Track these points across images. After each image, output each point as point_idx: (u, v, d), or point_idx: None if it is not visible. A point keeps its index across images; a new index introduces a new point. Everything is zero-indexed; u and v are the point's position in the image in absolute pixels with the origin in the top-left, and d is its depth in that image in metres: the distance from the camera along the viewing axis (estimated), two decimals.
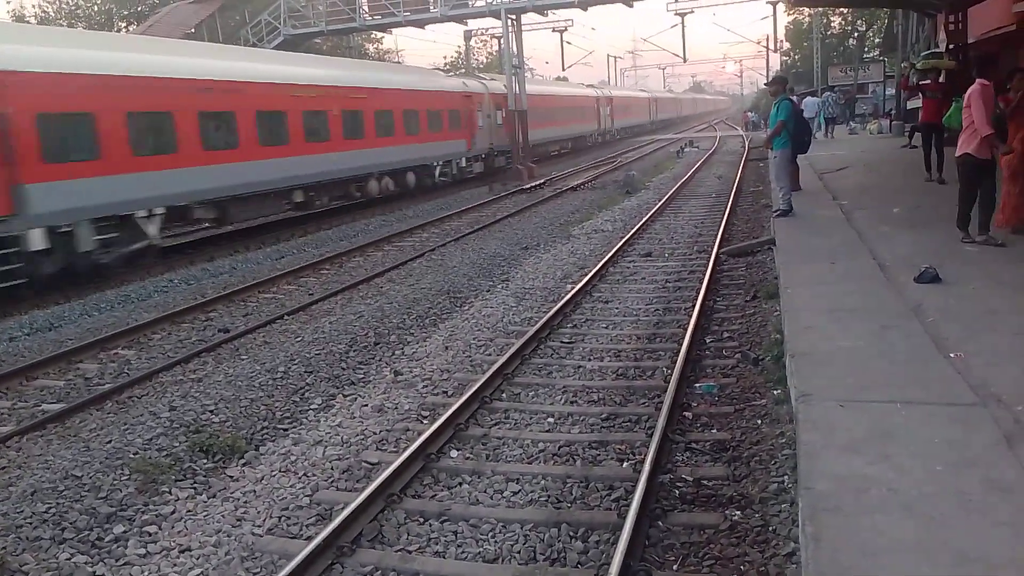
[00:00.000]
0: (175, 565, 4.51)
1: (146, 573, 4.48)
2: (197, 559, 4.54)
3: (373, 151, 21.15)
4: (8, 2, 44.70)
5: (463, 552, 4.41)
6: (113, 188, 13.29)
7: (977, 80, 8.12)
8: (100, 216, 13.11)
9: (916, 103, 26.51)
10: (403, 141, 22.72)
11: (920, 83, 16.56)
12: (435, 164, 24.77)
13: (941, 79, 15.12)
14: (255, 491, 5.32)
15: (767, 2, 35.74)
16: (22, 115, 11.82)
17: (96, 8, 37.06)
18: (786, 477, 4.77)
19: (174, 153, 14.63)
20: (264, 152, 16.88)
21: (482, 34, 44.42)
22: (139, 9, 36.30)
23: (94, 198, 12.95)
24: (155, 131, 14.36)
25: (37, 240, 11.98)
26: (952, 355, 5.10)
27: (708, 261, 10.85)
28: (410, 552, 4.43)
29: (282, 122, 17.57)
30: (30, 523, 4.94)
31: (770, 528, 4.32)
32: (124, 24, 36.36)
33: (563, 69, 49.28)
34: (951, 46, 18.83)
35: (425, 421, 6.28)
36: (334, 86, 19.91)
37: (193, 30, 27.80)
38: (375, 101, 21.28)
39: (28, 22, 34.64)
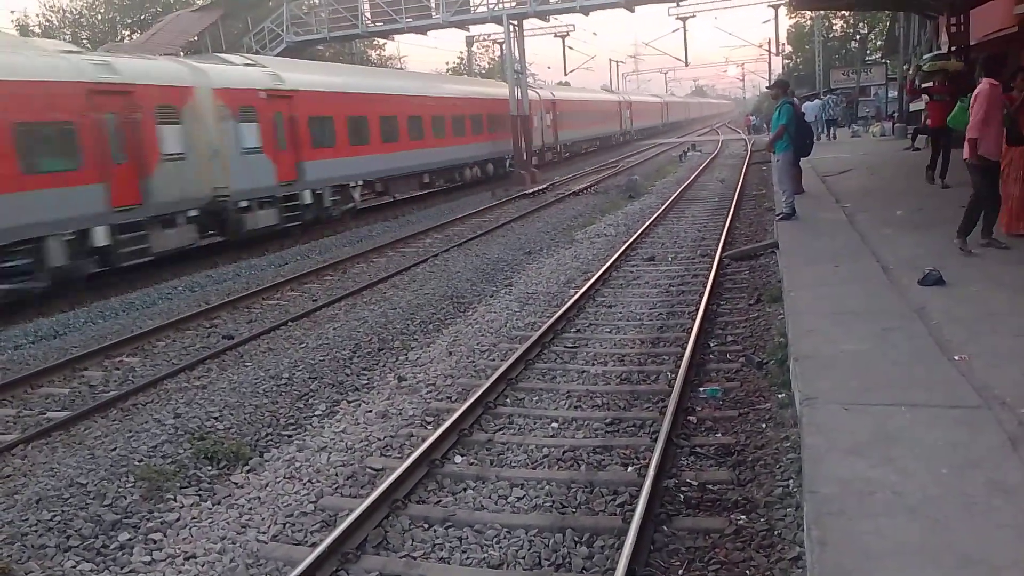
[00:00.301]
0: (180, 572, 4.52)
1: None
2: (202, 566, 4.54)
3: (469, 146, 27.77)
4: (12, 12, 44.78)
5: (468, 558, 4.40)
6: (341, 167, 19.83)
7: (985, 80, 8.04)
8: (334, 184, 19.56)
9: (919, 106, 26.55)
10: (487, 138, 29.04)
11: (923, 86, 16.37)
12: (506, 157, 29.07)
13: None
14: (260, 498, 5.32)
15: (769, 5, 35.66)
16: (301, 119, 18.18)
17: (100, 17, 37.21)
18: (791, 481, 4.76)
19: (368, 144, 21.25)
20: (410, 145, 23.45)
21: (484, 40, 44.56)
22: (142, 17, 36.41)
23: (332, 172, 19.47)
24: (359, 130, 20.93)
25: (307, 197, 18.52)
26: (956, 357, 5.09)
27: (711, 265, 10.84)
28: (415, 558, 4.43)
29: (420, 124, 24.13)
30: (35, 531, 4.96)
31: (775, 532, 4.31)
32: (128, 33, 36.48)
33: (565, 74, 49.34)
34: (953, 48, 18.82)
35: (429, 427, 6.28)
36: (445, 96, 26.52)
37: (196, 38, 27.86)
38: (467, 108, 27.71)
39: (32, 31, 34.83)
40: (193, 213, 15.11)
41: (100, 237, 13.03)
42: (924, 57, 18.66)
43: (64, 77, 12.70)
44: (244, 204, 16.29)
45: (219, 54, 20.65)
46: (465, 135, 27.32)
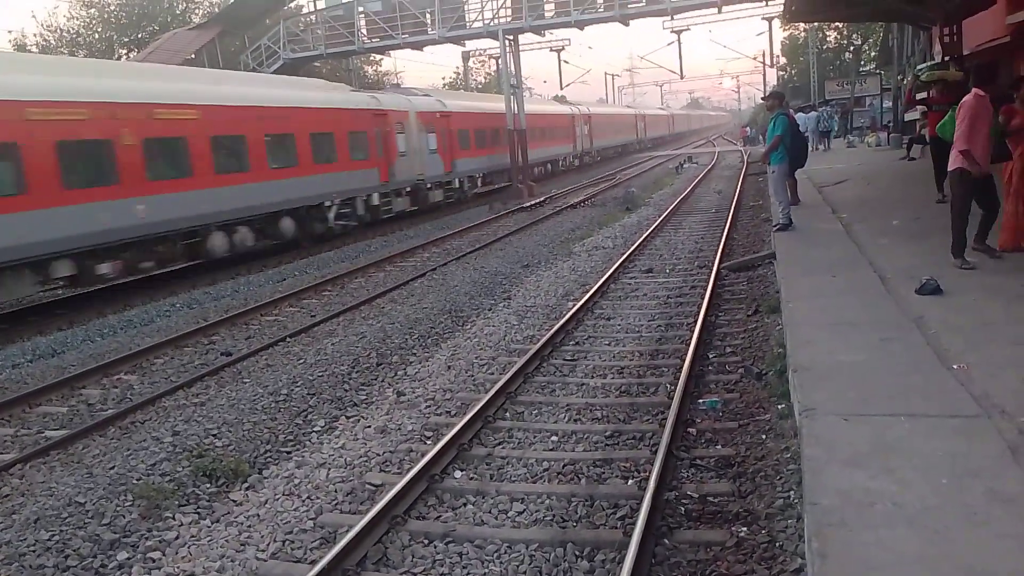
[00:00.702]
0: None
1: None
2: None
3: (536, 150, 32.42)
4: (10, 32, 44.98)
5: (468, 573, 4.39)
6: (472, 164, 28.00)
7: (973, 90, 7.89)
8: (469, 175, 27.75)
9: (914, 115, 26.68)
10: (553, 143, 36.76)
11: (918, 96, 15.96)
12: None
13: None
14: (259, 515, 5.30)
15: (763, 18, 36.03)
16: (452, 131, 26.04)
17: (97, 36, 37.36)
18: (792, 492, 4.76)
19: (485, 148, 28.71)
20: (503, 149, 28.96)
21: (480, 55, 44.81)
22: (139, 36, 36.57)
23: (468, 167, 27.59)
24: (481, 138, 28.32)
25: (456, 183, 26.64)
26: (954, 367, 5.09)
27: (709, 276, 10.85)
28: (415, 574, 4.41)
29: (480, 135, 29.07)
30: (33, 551, 4.93)
31: (777, 544, 4.30)
32: (125, 52, 36.63)
33: (561, 88, 49.72)
34: (947, 58, 18.94)
35: (428, 441, 6.26)
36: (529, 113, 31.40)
37: (193, 56, 27.99)
38: (539, 121, 33.36)
39: (30, 51, 34.92)
40: (408, 189, 23.36)
41: (375, 199, 21.64)
42: (921, 66, 17.79)
43: (362, 105, 21.38)
44: (429, 185, 24.65)
45: (411, 87, 29.24)
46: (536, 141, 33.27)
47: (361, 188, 20.86)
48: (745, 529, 4.51)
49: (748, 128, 59.48)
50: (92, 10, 37.58)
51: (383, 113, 22.06)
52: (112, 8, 37.50)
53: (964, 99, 7.86)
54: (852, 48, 50.77)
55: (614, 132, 51.47)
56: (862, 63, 47.57)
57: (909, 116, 27.51)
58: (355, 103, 21.23)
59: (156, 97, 14.76)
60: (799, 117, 24.17)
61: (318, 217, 19.30)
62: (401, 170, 22.76)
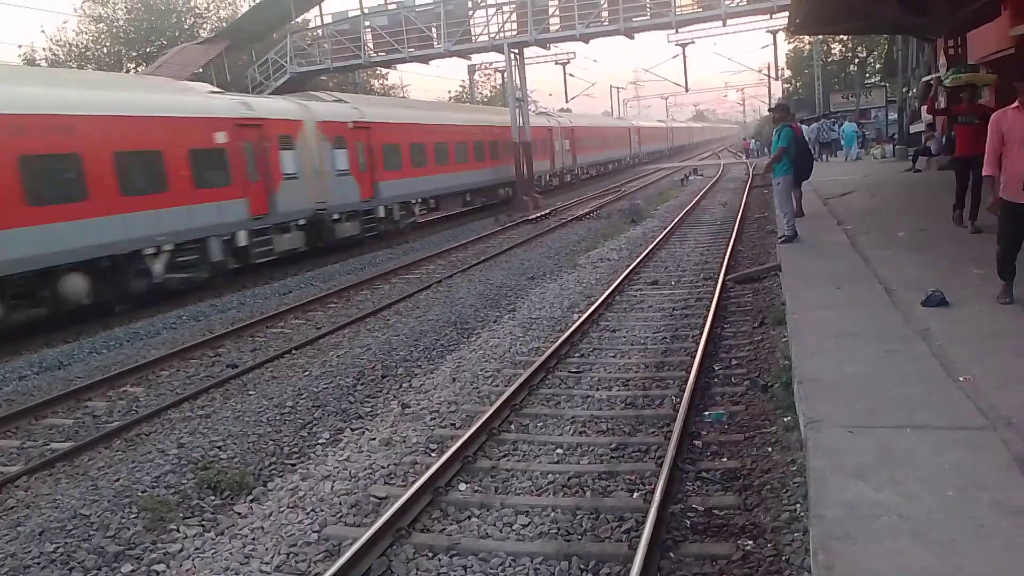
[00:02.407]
0: None
1: None
2: None
3: (503, 167, 29.61)
4: (20, 46, 45.34)
5: None
6: (405, 187, 22.83)
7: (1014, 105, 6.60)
8: (400, 202, 22.56)
9: (919, 127, 26.69)
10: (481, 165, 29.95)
11: (937, 108, 13.82)
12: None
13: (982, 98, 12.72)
14: (263, 527, 5.29)
15: (767, 31, 36.00)
16: (375, 147, 21.25)
17: (106, 50, 37.66)
18: (798, 505, 4.73)
19: (424, 167, 23.93)
20: (455, 167, 26.18)
21: (486, 68, 44.99)
22: (148, 50, 36.86)
23: (398, 191, 22.41)
24: (419, 155, 23.77)
25: (381, 211, 21.62)
26: (960, 378, 5.07)
27: (715, 288, 10.84)
28: None
29: (464, 149, 27.16)
30: (38, 563, 4.94)
31: (783, 557, 4.28)
32: (133, 65, 36.92)
33: (566, 101, 49.79)
34: (927, 80, 18.99)
35: (433, 454, 6.26)
36: (485, 125, 29.25)
37: (201, 70, 28.19)
38: (504, 135, 29.12)
39: (39, 64, 35.22)
40: (300, 222, 18.39)
41: (242, 239, 16.44)
42: (946, 71, 15.03)
43: (219, 113, 16.18)
44: (337, 216, 19.87)
45: (313, 92, 23.95)
46: (499, 158, 29.37)
47: (216, 226, 15.52)
48: (751, 542, 4.49)
49: (752, 140, 59.58)
50: (101, 25, 37.93)
51: (256, 123, 16.75)
52: (120, 23, 37.84)
53: (995, 114, 6.84)
54: (857, 60, 50.83)
55: (602, 146, 46.57)
56: (867, 75, 47.63)
57: (915, 128, 27.54)
58: (206, 109, 16.00)
59: None
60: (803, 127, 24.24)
61: (135, 271, 13.91)
62: (289, 199, 17.64)
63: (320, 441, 6.91)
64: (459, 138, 27.04)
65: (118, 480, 6.10)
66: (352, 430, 7.11)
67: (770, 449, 5.70)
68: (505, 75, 33.18)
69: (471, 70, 43.33)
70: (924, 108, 19.23)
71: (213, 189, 15.58)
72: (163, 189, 14.40)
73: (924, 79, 25.95)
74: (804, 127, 25.51)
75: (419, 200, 24.09)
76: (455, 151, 26.49)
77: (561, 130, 37.87)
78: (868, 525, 3.42)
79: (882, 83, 40.67)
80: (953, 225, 10.66)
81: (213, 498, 5.81)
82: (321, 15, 32.21)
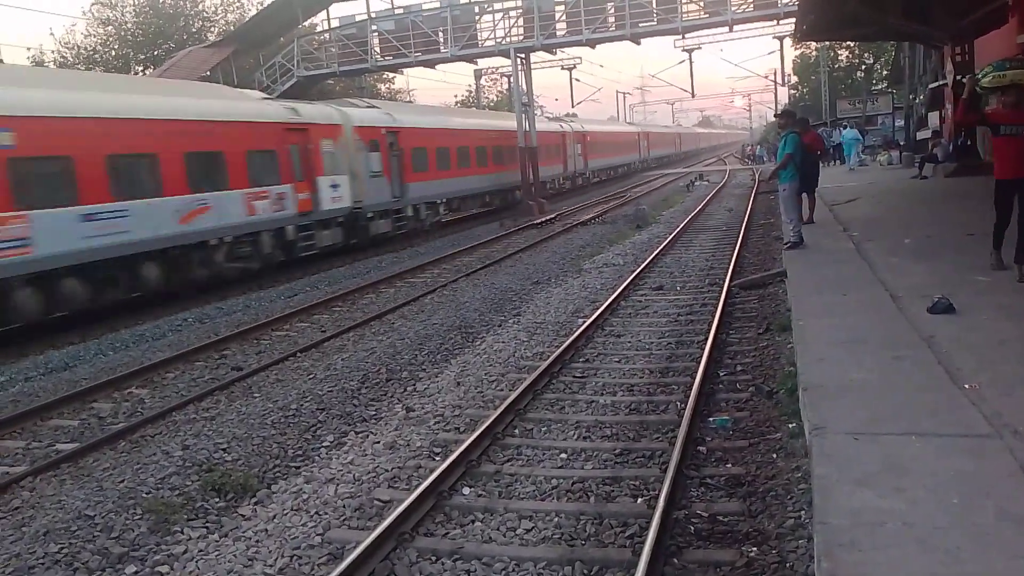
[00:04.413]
0: None
1: None
2: None
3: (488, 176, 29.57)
4: (28, 49, 45.60)
5: None
6: (432, 188, 24.46)
7: None
8: (427, 202, 24.18)
9: (925, 134, 26.63)
10: (547, 163, 32.72)
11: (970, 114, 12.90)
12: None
13: None
14: (267, 530, 5.30)
15: (774, 37, 35.97)
16: (406, 149, 22.82)
17: (114, 53, 37.85)
18: (803, 512, 4.72)
19: (448, 170, 25.50)
20: (477, 170, 27.84)
21: (492, 72, 45.05)
22: (155, 53, 37.03)
23: (425, 192, 24.00)
24: (445, 157, 25.30)
25: (409, 211, 23.12)
26: (966, 386, 5.06)
27: (720, 294, 10.83)
28: None
29: (484, 153, 28.62)
30: (42, 564, 4.95)
31: (787, 564, 4.27)
32: (141, 68, 37.10)
33: (572, 106, 49.90)
34: (958, 77, 18.92)
35: (437, 458, 6.26)
36: (504, 130, 29.87)
37: (208, 73, 28.29)
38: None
39: (47, 66, 35.39)
40: (340, 220, 20.01)
41: (290, 234, 18.03)
42: (984, 69, 13.06)
43: (271, 118, 17.77)
44: (371, 214, 21.39)
45: (349, 100, 24.19)
46: (517, 162, 29.57)
47: (269, 220, 17.19)
48: (755, 549, 4.48)
49: (758, 146, 59.56)
50: (109, 28, 38.15)
51: (302, 127, 18.44)
52: (128, 26, 38.05)
53: None
54: (864, 67, 50.83)
55: (613, 151, 48.55)
56: (874, 82, 47.59)
57: (921, 135, 27.50)
58: (260, 114, 17.57)
59: None
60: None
61: (199, 260, 15.50)
62: (329, 197, 19.29)
63: (324, 444, 6.92)
64: (480, 142, 28.52)
65: (123, 481, 6.12)
66: (356, 433, 7.11)
67: (775, 456, 5.69)
68: (511, 80, 33.21)
69: (477, 75, 43.46)
70: (954, 114, 15.97)
71: (266, 188, 17.10)
72: (224, 186, 15.96)
73: (931, 85, 25.94)
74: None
75: (443, 200, 25.74)
76: (476, 155, 28.08)
77: (574, 135, 39.15)
78: (873, 532, 3.41)
79: (889, 90, 40.63)
80: (992, 269, 8.32)
81: (217, 500, 5.81)
82: (328, 19, 32.31)
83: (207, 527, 5.44)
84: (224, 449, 6.69)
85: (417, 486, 5.45)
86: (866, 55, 49.84)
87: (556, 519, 5.07)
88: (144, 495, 5.81)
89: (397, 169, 22.30)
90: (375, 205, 21.16)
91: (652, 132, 64.28)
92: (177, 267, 15.00)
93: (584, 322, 9.95)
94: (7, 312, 11.95)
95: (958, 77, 18.74)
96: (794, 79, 54.68)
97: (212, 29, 39.37)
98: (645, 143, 58.61)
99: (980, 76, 11.80)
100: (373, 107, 23.29)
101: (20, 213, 11.82)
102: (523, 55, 28.40)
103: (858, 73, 51.02)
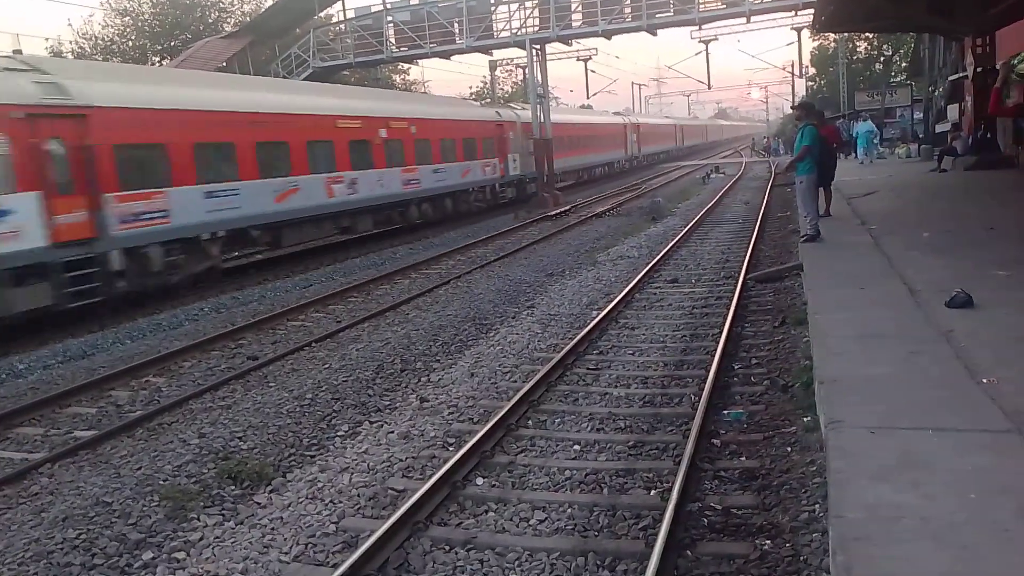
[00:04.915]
0: None
1: None
2: None
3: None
4: (47, 39, 45.91)
5: None
6: (564, 163, 33.46)
7: None
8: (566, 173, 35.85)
9: (944, 127, 26.35)
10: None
11: (1006, 104, 11.71)
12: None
13: None
14: (282, 518, 5.34)
15: (791, 28, 35.61)
16: (519, 134, 30.61)
17: (131, 44, 38.03)
18: (817, 506, 4.70)
19: (570, 152, 35.14)
20: (580, 152, 38.07)
21: (507, 64, 44.93)
22: (172, 44, 37.18)
23: (564, 166, 33.94)
24: (571, 143, 35.63)
25: (544, 179, 29.65)
26: (984, 381, 5.01)
27: (735, 287, 10.78)
28: None
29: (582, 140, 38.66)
30: (61, 549, 5.01)
31: (801, 558, 4.26)
32: (158, 59, 37.26)
33: (587, 97, 49.73)
34: (979, 69, 18.71)
35: (451, 448, 6.28)
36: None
37: (225, 64, 28.38)
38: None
39: (65, 57, 35.62)
40: (514, 182, 30.09)
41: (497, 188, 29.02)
42: (1021, 54, 12.61)
43: (484, 117, 28.56)
44: (529, 181, 30.69)
45: (511, 104, 35.85)
46: (601, 148, 42.55)
47: (487, 179, 27.69)
48: (769, 542, 4.47)
49: (773, 140, 59.14)
50: (126, 18, 38.31)
51: (500, 123, 29.05)
52: (146, 17, 38.20)
53: None
54: (882, 59, 50.28)
55: (658, 140, 59.26)
56: (892, 74, 47.10)
57: (940, 127, 27.21)
58: (485, 116, 28.73)
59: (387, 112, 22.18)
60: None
61: (463, 200, 26.03)
62: (511, 168, 29.63)
63: (339, 433, 6.95)
64: (585, 132, 39.28)
65: (140, 469, 6.18)
66: (371, 423, 7.15)
67: (789, 449, 5.67)
68: (526, 71, 33.17)
69: (492, 66, 43.29)
70: (989, 105, 16.25)
71: (491, 158, 27.88)
72: (475, 158, 26.59)
73: (951, 78, 25.65)
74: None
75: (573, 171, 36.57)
76: (586, 141, 38.95)
77: (631, 126, 49.49)
78: (888, 527, 3.39)
79: (908, 82, 40.18)
80: None
81: (233, 488, 5.86)
82: (344, 10, 32.36)
83: (223, 514, 5.49)
84: (240, 437, 6.75)
85: (431, 476, 5.47)
86: (885, 47, 49.29)
87: (569, 510, 5.07)
88: (161, 482, 5.87)
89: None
90: (529, 175, 30.50)
91: (686, 124, 75.63)
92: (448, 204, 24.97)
93: (598, 314, 9.93)
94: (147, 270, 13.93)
95: (978, 69, 18.54)
96: (812, 71, 54.17)
97: (228, 20, 39.47)
98: (680, 134, 68.35)
99: (1017, 62, 11.62)
100: (524, 108, 31.87)
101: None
102: (539, 46, 28.30)
103: (877, 65, 50.47)
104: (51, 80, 12.56)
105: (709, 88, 42.92)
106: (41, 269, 11.79)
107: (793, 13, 28.90)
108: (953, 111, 25.81)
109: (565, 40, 29.49)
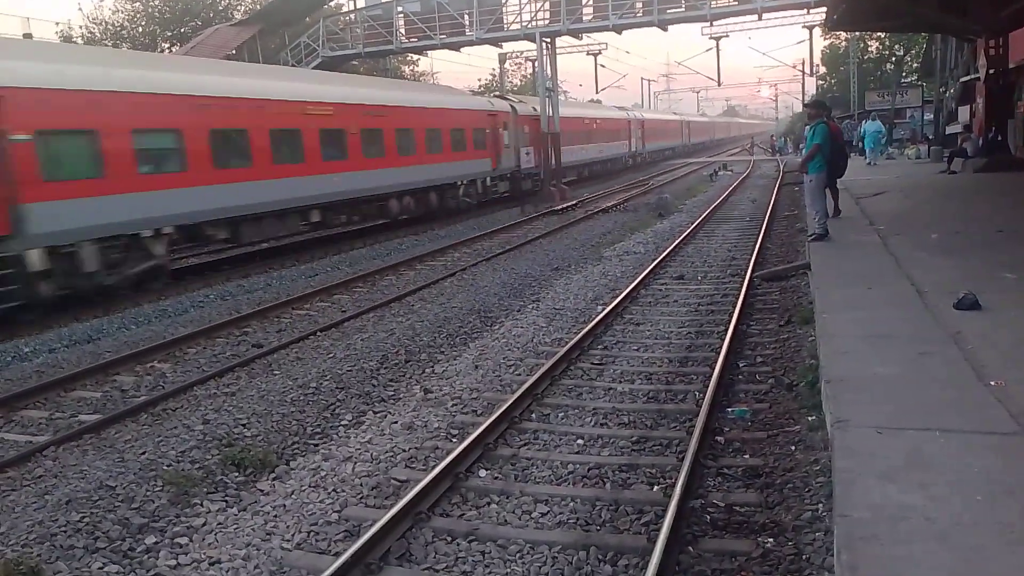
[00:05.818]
0: None
1: None
2: (227, 572, 4.57)
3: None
4: (57, 24, 45.98)
5: (491, 573, 4.38)
6: (570, 155, 33.24)
7: None
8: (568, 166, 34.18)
9: (954, 128, 26.23)
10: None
11: None
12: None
13: None
14: (285, 505, 5.35)
15: (803, 26, 35.48)
16: (520, 124, 29.55)
17: (141, 30, 38.05)
18: (820, 505, 4.69)
19: (579, 144, 35.96)
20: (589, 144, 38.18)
21: (516, 57, 44.91)
22: (182, 31, 37.18)
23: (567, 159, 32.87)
24: (576, 137, 35.58)
25: (542, 174, 30.08)
26: (992, 383, 4.99)
27: (741, 285, 10.75)
28: (437, 571, 4.41)
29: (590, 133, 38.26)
30: (64, 532, 5.02)
31: (804, 557, 4.24)
32: (168, 45, 37.27)
33: (597, 92, 49.69)
34: (991, 71, 18.61)
35: (454, 440, 6.27)
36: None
37: (234, 51, 28.36)
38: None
39: (75, 42, 35.66)
40: (508, 176, 28.48)
41: (488, 182, 27.13)
42: None
43: (474, 107, 26.77)
44: (524, 175, 29.56)
45: (508, 96, 32.96)
46: (612, 140, 43.10)
47: (478, 172, 26.11)
48: (772, 540, 4.46)
49: (780, 137, 58.99)
50: (136, 4, 38.31)
51: (493, 114, 27.39)
52: (156, 3, 38.19)
53: None
54: (894, 59, 50.06)
55: (663, 136, 58.09)
56: (903, 74, 46.88)
57: (951, 129, 27.09)
58: (477, 105, 27.17)
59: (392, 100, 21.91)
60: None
61: (450, 194, 24.47)
62: (503, 161, 27.87)
63: (343, 423, 6.95)
64: (593, 127, 38.77)
65: (144, 453, 6.19)
66: (375, 413, 7.15)
67: (793, 448, 5.65)
68: (536, 64, 33.08)
69: (502, 59, 43.23)
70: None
71: (481, 151, 26.09)
72: (464, 151, 24.93)
73: (962, 79, 25.52)
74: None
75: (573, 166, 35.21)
76: (595, 134, 38.75)
77: (635, 121, 48.52)
78: (894, 527, 3.38)
79: (919, 83, 40.02)
80: None
81: (237, 475, 5.87)
82: (354, 0, 32.28)
83: (226, 501, 5.50)
84: (244, 425, 6.75)
85: (434, 467, 5.47)
86: (896, 47, 49.09)
87: (572, 504, 5.07)
88: (165, 467, 5.88)
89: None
90: (527, 169, 29.39)
91: (692, 121, 74.75)
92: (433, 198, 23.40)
93: (603, 309, 9.91)
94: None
95: (991, 71, 18.44)
96: (822, 70, 53.99)
97: (238, 7, 39.46)
98: (687, 131, 68.38)
99: None
100: (523, 103, 30.84)
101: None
102: (549, 39, 28.22)
103: (888, 65, 50.26)
104: None
105: (719, 85, 42.92)
106: None
107: (805, 11, 28.77)
108: (964, 113, 25.70)
109: (576, 34, 29.43)
